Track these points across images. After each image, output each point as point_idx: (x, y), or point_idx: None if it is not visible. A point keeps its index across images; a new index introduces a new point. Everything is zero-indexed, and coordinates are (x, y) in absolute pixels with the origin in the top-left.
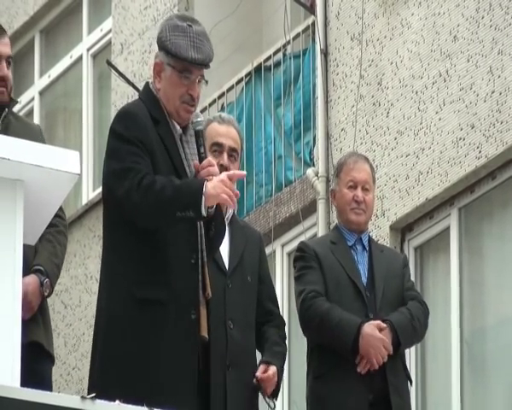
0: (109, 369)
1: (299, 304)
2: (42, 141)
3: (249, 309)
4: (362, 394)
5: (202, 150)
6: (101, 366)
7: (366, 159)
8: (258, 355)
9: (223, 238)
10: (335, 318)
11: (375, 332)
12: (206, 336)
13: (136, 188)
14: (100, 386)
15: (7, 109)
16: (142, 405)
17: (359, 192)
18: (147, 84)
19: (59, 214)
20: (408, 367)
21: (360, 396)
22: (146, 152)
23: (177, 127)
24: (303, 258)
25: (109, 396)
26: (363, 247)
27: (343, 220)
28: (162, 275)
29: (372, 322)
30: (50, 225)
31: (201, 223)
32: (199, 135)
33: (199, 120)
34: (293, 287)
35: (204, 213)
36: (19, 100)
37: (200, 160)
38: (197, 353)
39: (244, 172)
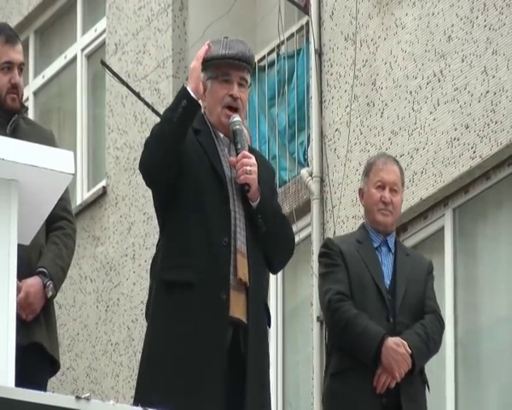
0: (146, 353)
1: (326, 305)
2: (53, 145)
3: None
4: (376, 396)
5: (239, 146)
6: (143, 352)
7: (395, 161)
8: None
9: (287, 254)
10: (360, 325)
11: (398, 346)
12: (241, 318)
13: (143, 150)
14: (140, 371)
15: (17, 115)
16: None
17: (387, 193)
18: None
19: (68, 218)
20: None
21: (374, 398)
22: None
23: (221, 136)
24: (328, 255)
25: (146, 380)
26: (389, 249)
27: (370, 220)
28: (191, 257)
29: (396, 338)
30: (58, 228)
31: (235, 211)
32: (236, 133)
33: (235, 120)
34: (318, 283)
35: (194, 96)
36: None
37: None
38: (224, 332)
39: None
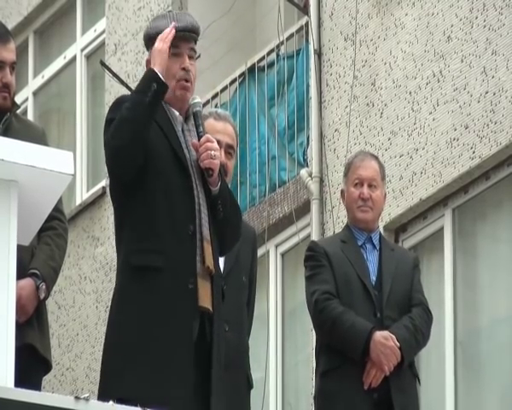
0: (112, 340)
1: (313, 305)
2: (43, 142)
3: (243, 310)
4: (367, 392)
5: (201, 129)
6: (107, 340)
7: (374, 156)
8: (252, 357)
9: (236, 239)
10: (347, 321)
11: (386, 339)
12: (209, 307)
13: (110, 135)
14: (105, 359)
15: (9, 114)
16: (137, 398)
17: (365, 189)
18: None
19: (59, 217)
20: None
21: (365, 395)
22: None
23: (176, 114)
24: (313, 257)
25: (113, 367)
26: (374, 246)
27: (351, 219)
28: (158, 243)
29: (384, 331)
30: (49, 228)
31: (198, 197)
32: (197, 115)
33: (196, 101)
34: (305, 286)
35: (163, 78)
36: (19, 104)
37: (199, 139)
38: (193, 322)
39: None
